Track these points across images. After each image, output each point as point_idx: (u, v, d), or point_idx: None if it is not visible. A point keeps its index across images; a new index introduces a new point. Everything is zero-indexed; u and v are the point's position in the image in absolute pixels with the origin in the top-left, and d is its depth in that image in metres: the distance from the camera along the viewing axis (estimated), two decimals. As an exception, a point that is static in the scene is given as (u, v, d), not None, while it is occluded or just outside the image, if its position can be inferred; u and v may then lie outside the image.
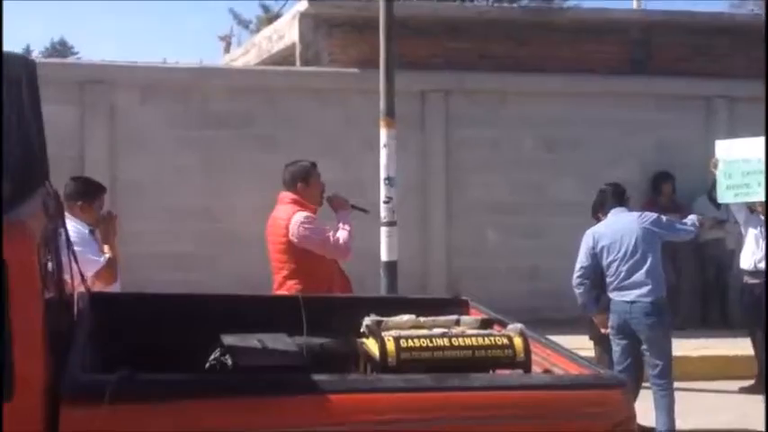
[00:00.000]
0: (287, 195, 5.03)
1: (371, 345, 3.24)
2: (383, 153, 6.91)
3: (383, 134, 6.91)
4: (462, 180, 8.51)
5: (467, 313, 4.05)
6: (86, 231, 4.56)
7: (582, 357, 3.36)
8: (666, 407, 5.27)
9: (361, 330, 3.36)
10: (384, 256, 6.87)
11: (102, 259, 4.47)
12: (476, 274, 8.26)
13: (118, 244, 4.64)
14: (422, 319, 3.44)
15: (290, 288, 4.87)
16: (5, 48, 3.09)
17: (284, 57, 9.25)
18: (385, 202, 6.88)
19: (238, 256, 7.77)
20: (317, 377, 2.73)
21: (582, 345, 6.24)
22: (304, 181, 5.02)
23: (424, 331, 3.30)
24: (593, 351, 6.06)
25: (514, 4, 8.83)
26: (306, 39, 8.47)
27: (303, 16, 8.44)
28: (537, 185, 8.63)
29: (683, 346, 7.24)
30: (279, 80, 8.29)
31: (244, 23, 22.00)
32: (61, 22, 56.46)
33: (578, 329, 6.24)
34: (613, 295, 5.44)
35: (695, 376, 6.93)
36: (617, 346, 5.46)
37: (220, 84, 8.08)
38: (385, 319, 3.39)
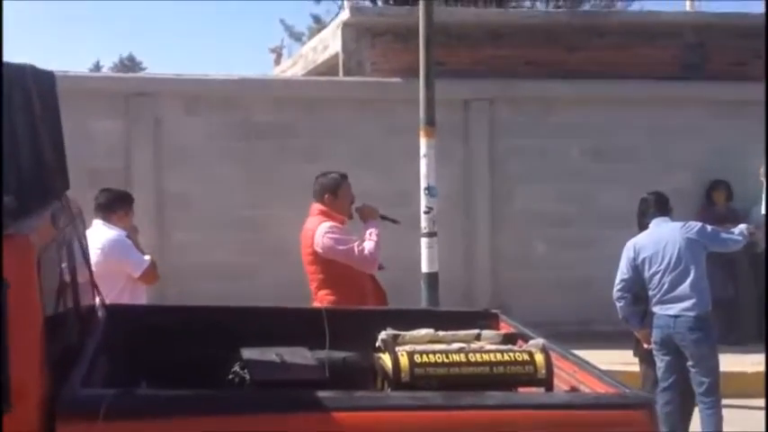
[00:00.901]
0: (316, 207, 5.03)
1: (386, 360, 3.15)
2: (423, 163, 6.82)
3: (423, 143, 6.83)
4: (507, 190, 8.35)
5: (495, 327, 3.93)
6: (125, 237, 4.71)
7: (609, 375, 3.21)
8: (714, 425, 5.03)
9: (377, 345, 3.27)
10: (424, 268, 6.77)
11: (147, 259, 4.74)
12: (522, 285, 8.12)
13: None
14: (440, 333, 3.33)
15: (321, 299, 4.82)
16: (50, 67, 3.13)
17: (329, 67, 9.23)
18: (425, 213, 6.78)
19: (280, 267, 7.66)
20: (320, 394, 2.64)
21: (630, 359, 6.05)
22: (333, 193, 4.98)
23: (442, 346, 3.19)
24: (639, 367, 5.84)
25: (560, 9, 8.53)
26: (348, 48, 8.42)
27: (345, 26, 8.40)
28: (585, 195, 8.41)
29: (742, 362, 6.96)
30: (321, 90, 8.25)
31: (295, 36, 22.11)
32: (130, 38, 57.79)
33: (629, 343, 6.02)
34: (656, 309, 5.23)
35: (753, 393, 6.62)
36: (661, 361, 5.24)
37: (263, 95, 8.07)
38: (402, 333, 3.29)
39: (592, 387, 3.13)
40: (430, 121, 6.82)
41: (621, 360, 6.13)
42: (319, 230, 4.84)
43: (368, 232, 4.92)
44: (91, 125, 7.63)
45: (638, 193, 6.66)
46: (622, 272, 5.32)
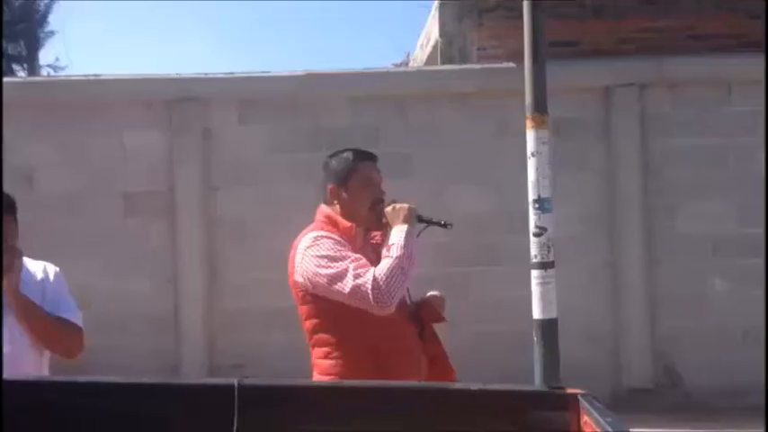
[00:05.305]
0: (319, 210, 3.14)
1: None
2: (530, 164, 4.95)
3: (530, 138, 4.97)
4: (668, 207, 6.59)
5: (575, 420, 1.98)
6: None
7: None
8: None
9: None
10: (537, 313, 4.84)
11: None
12: (694, 338, 6.44)
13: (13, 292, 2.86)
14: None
15: (319, 365, 2.98)
16: None
17: (433, 61, 7.61)
18: (535, 235, 4.85)
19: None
20: None
21: None
22: (340, 183, 3.05)
23: None
24: None
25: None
26: (448, 30, 6.83)
27: (443, 4, 6.73)
28: (782, 212, 6.52)
29: None
30: (410, 84, 6.64)
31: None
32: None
33: None
34: None
35: None
36: None
37: (336, 93, 6.57)
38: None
39: None
40: (539, 107, 4.98)
41: None
42: (300, 248, 2.98)
43: (391, 245, 2.93)
44: (126, 140, 6.47)
45: None
46: None
